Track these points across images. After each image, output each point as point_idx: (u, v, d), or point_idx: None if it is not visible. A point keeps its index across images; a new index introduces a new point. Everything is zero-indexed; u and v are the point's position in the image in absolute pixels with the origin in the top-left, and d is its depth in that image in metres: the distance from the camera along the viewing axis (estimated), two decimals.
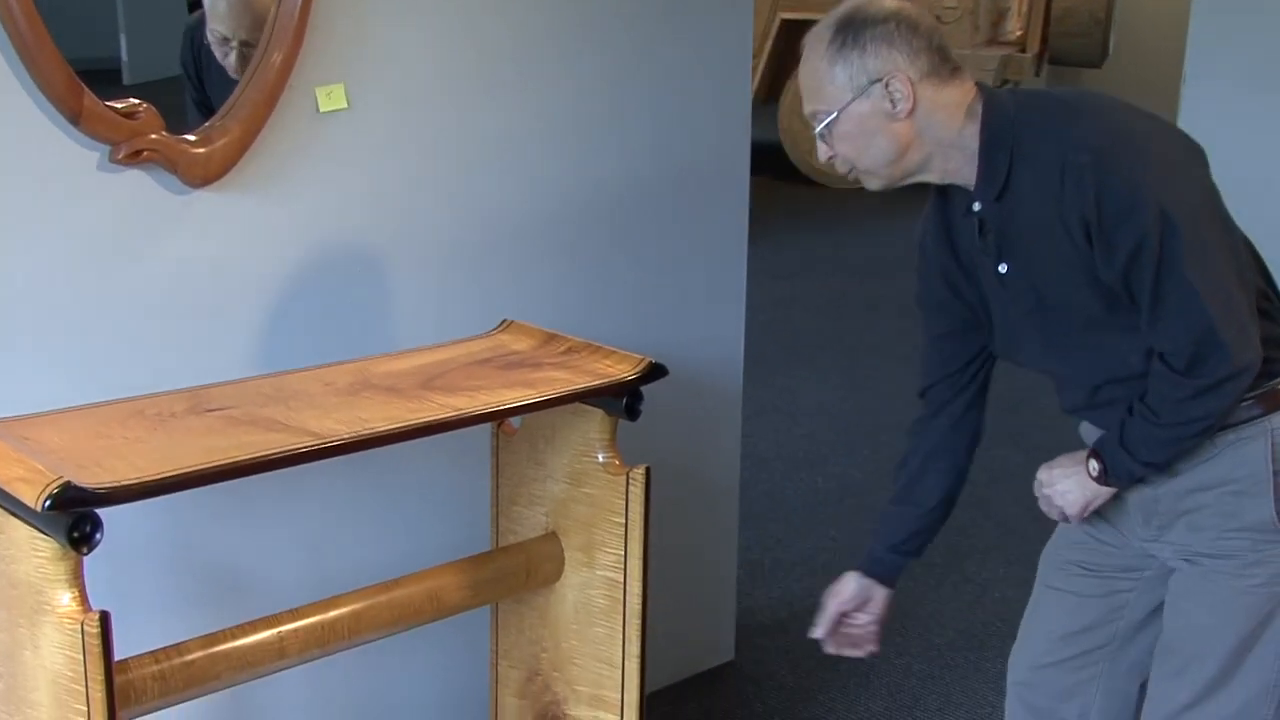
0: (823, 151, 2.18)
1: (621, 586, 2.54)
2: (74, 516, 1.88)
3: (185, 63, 2.70)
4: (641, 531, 2.50)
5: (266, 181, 2.54)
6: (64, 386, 2.32)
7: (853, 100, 2.10)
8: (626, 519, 2.51)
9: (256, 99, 2.50)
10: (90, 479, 1.90)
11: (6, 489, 1.91)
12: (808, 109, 2.18)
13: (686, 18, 3.16)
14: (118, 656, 1.98)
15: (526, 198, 2.93)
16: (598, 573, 2.59)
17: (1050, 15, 10.02)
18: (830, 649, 2.55)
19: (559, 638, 2.68)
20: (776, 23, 9.31)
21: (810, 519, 4.56)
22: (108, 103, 2.33)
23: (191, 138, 2.44)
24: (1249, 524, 2.20)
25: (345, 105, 2.62)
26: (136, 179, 2.40)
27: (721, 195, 3.34)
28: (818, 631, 2.52)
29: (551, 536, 2.64)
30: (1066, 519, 2.33)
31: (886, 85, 2.09)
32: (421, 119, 2.75)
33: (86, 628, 1.91)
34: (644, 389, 2.47)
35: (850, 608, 2.50)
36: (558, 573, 2.64)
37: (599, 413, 2.51)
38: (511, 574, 2.60)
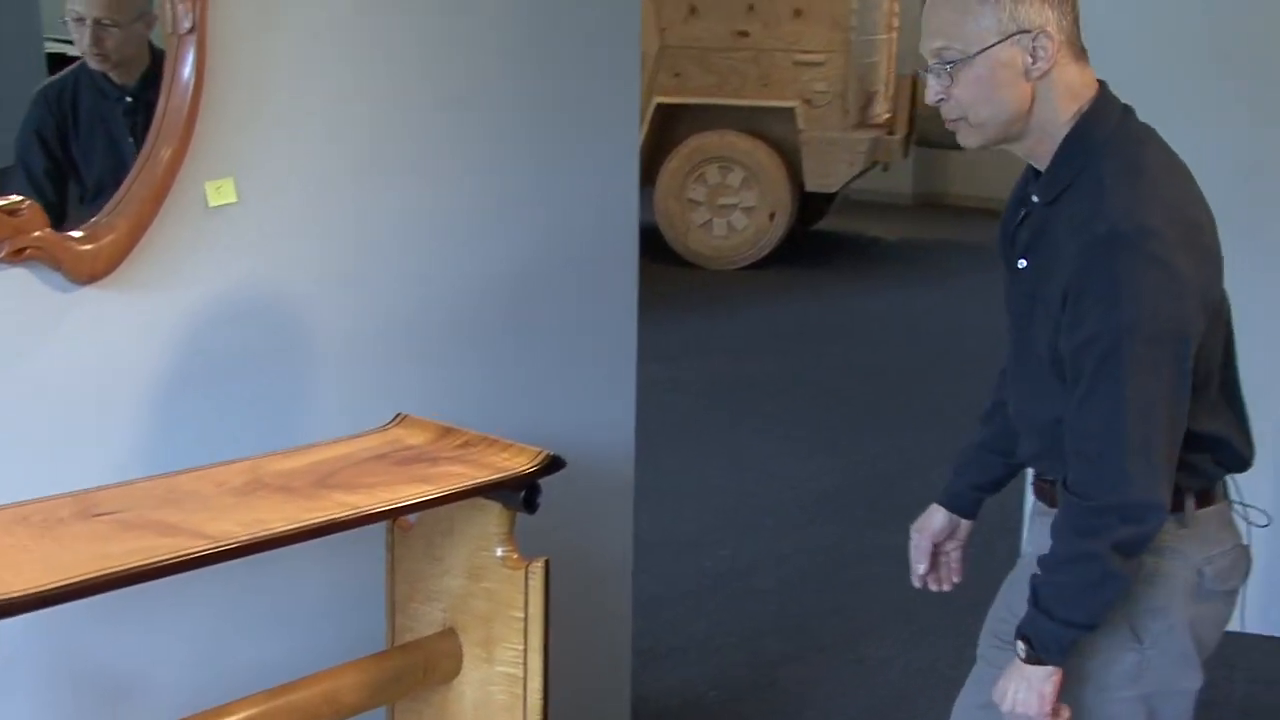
0: (934, 91, 2.09)
1: (521, 682, 2.52)
2: None
3: (43, 128, 2.64)
4: (541, 625, 2.48)
5: (155, 278, 2.50)
6: None
7: (997, 44, 2.03)
8: (526, 613, 2.49)
9: (144, 195, 2.46)
10: None
11: None
12: (934, 44, 2.08)
13: (577, 105, 3.18)
14: None
15: (419, 288, 2.92)
16: (497, 668, 2.55)
17: (916, 98, 10.24)
18: (931, 585, 2.58)
19: None
20: (651, 107, 9.42)
21: (700, 603, 4.55)
22: None
23: (77, 234, 2.39)
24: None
25: (235, 199, 2.59)
26: (20, 277, 2.34)
27: (611, 281, 3.35)
28: (919, 568, 2.55)
29: (450, 633, 2.61)
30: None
31: (1035, 39, 2.04)
32: (313, 211, 2.73)
33: None
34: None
35: (941, 538, 2.53)
36: (456, 669, 2.60)
37: (497, 506, 2.49)
38: (409, 672, 2.56)
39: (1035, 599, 2.12)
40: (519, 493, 2.45)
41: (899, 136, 10.16)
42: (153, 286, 2.50)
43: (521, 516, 2.51)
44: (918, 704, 3.82)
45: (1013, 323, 2.26)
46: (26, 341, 2.37)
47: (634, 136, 3.40)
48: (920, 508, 2.59)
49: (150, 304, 2.51)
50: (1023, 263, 2.19)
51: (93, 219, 2.42)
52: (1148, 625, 2.17)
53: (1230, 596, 2.27)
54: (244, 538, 2.09)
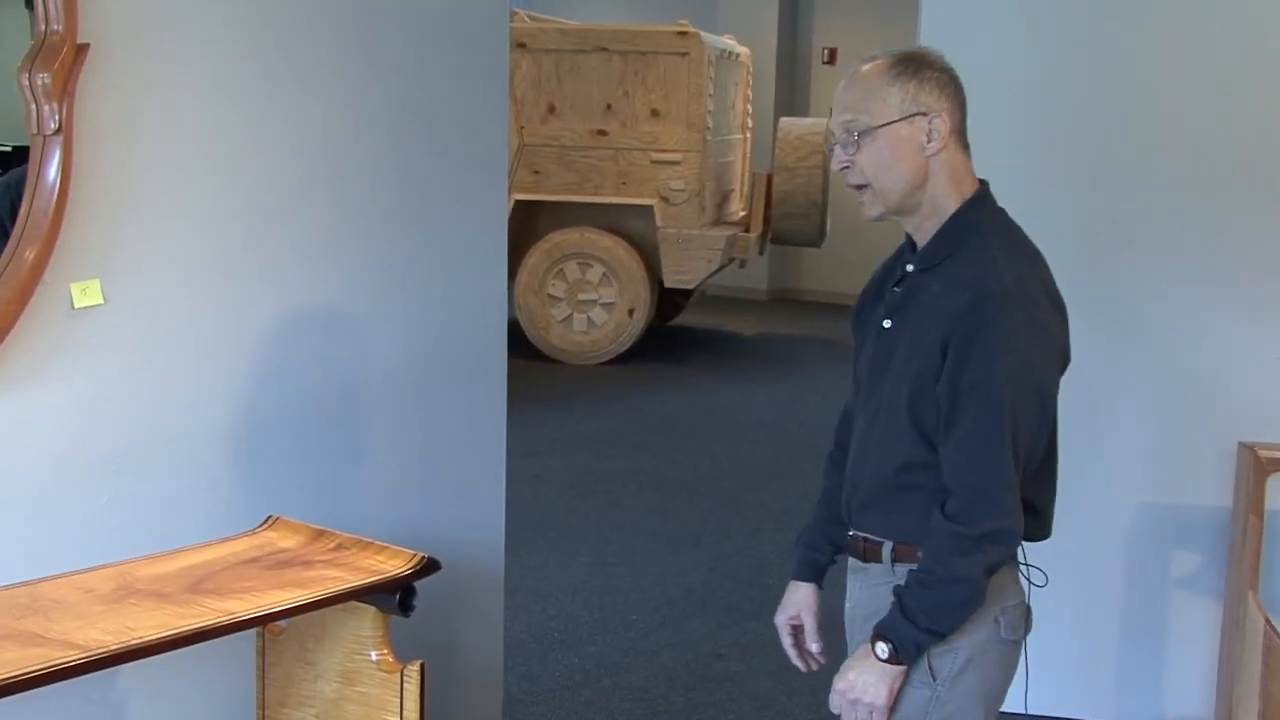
0: (839, 160, 2.32)
1: None
2: None
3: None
4: None
5: (19, 379, 2.45)
6: None
7: (898, 120, 2.28)
8: (401, 717, 2.45)
9: (7, 296, 2.41)
10: None
11: None
12: (844, 118, 2.31)
13: (449, 201, 3.20)
14: None
15: (290, 385, 2.89)
16: None
17: (771, 198, 10.43)
18: (809, 665, 2.62)
19: None
20: (510, 203, 9.45)
21: (569, 701, 4.51)
22: None
23: None
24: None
25: (101, 300, 2.55)
26: None
27: (482, 378, 3.36)
28: (792, 653, 2.60)
29: None
30: (876, 715, 2.31)
31: (930, 120, 2.28)
32: (183, 310, 2.70)
33: None
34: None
35: (794, 611, 2.58)
36: None
37: (371, 610, 2.46)
38: None
39: (903, 608, 2.26)
40: (394, 595, 2.42)
41: (755, 234, 10.31)
42: (17, 388, 2.45)
43: (394, 618, 2.48)
44: None
45: (865, 382, 2.43)
46: None
47: (503, 234, 3.43)
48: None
49: (14, 405, 2.45)
50: (888, 322, 2.38)
51: None
52: (944, 664, 2.32)
53: (1017, 647, 2.42)
54: (115, 647, 2.03)
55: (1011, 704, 2.55)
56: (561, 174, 9.68)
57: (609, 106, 9.59)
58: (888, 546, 2.38)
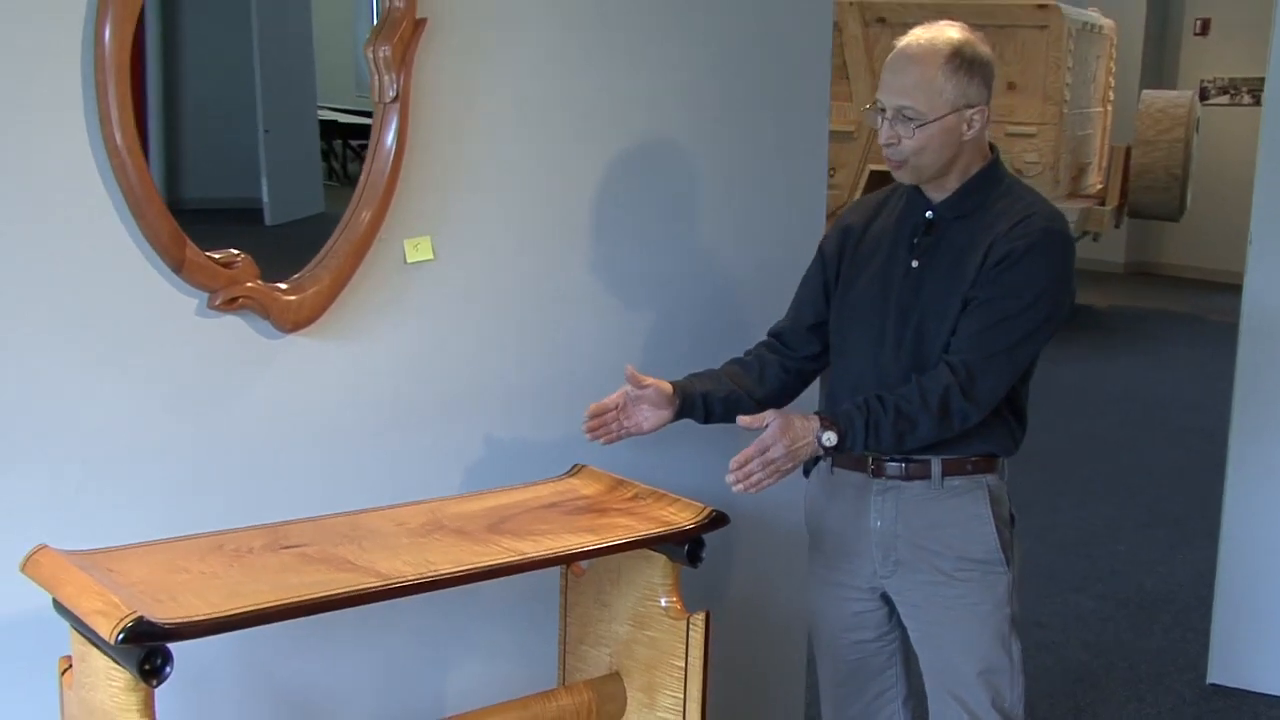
0: (886, 134, 2.45)
1: None
2: (145, 650, 1.86)
3: None
4: (700, 676, 2.44)
5: (353, 328, 2.55)
6: (154, 516, 2.32)
7: (949, 114, 2.41)
8: (686, 663, 2.45)
9: (346, 250, 2.51)
10: (164, 613, 1.88)
11: (85, 621, 1.90)
12: (899, 101, 2.42)
13: (761, 185, 3.15)
14: None
15: (598, 346, 2.92)
16: (658, 714, 2.52)
17: (1129, 170, 9.94)
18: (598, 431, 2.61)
19: None
20: (865, 173, 9.32)
21: None
22: (208, 253, 2.35)
23: (284, 286, 2.46)
24: (978, 557, 2.55)
25: (431, 257, 2.63)
26: (232, 324, 2.41)
27: None
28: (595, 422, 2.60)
29: (615, 677, 2.58)
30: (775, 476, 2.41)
31: (975, 112, 2.44)
32: (503, 270, 2.75)
33: None
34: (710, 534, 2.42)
35: (635, 395, 2.58)
36: (620, 712, 2.58)
37: (662, 558, 2.46)
38: (575, 712, 2.54)
39: (867, 420, 2.40)
40: (683, 546, 2.42)
41: (1110, 208, 9.85)
42: (351, 336, 2.55)
43: (690, 570, 2.47)
44: None
45: (876, 315, 2.56)
46: (236, 383, 2.44)
47: (822, 211, 3.35)
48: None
49: (348, 352, 2.56)
50: (915, 263, 2.53)
51: (297, 274, 2.48)
52: (1009, 552, 2.59)
53: None
54: (413, 578, 2.10)
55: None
56: None
57: None
58: (936, 463, 2.53)
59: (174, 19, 3.51)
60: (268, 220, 3.36)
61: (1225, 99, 11.96)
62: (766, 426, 2.38)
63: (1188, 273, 11.95)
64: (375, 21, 2.54)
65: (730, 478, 2.38)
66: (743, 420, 2.43)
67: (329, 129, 3.87)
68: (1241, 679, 4.30)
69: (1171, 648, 4.62)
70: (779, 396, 2.71)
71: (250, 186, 3.40)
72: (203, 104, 3.57)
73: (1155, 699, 4.24)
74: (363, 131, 3.95)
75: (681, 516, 2.43)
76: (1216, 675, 4.33)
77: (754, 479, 2.37)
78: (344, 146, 3.92)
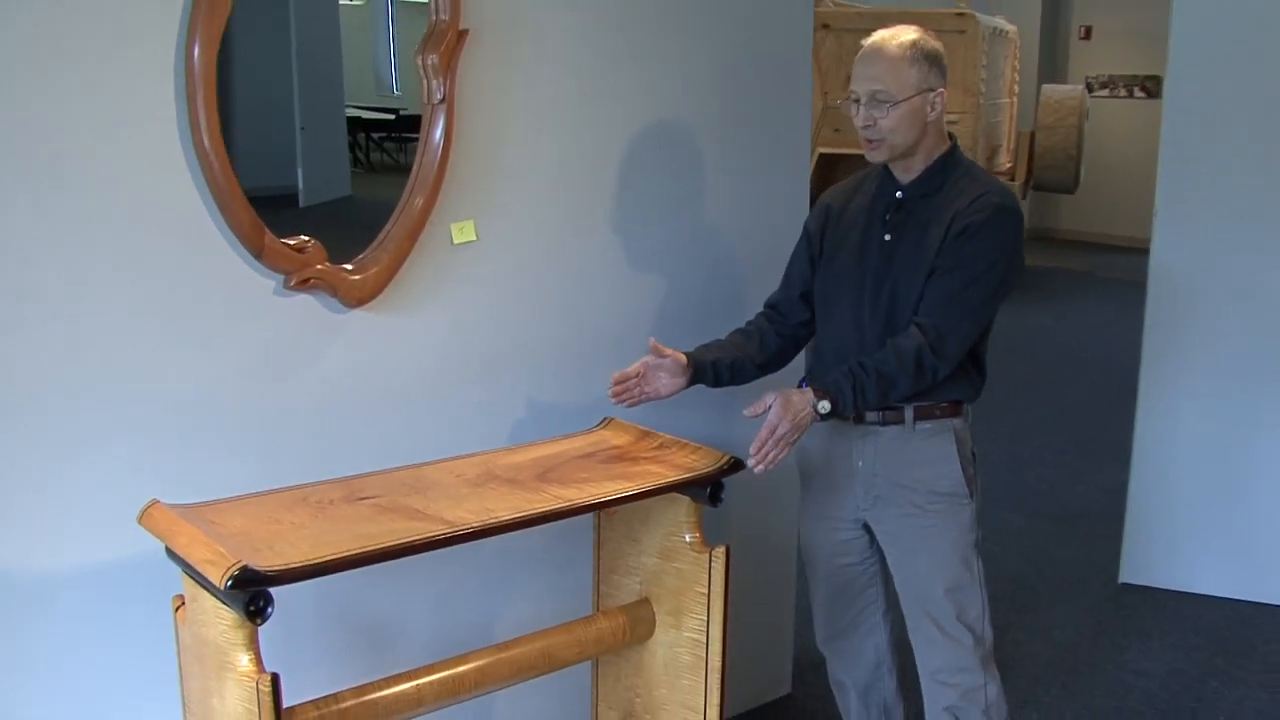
0: (863, 118, 2.41)
1: (704, 646, 2.40)
2: (250, 594, 1.79)
3: None
4: (722, 601, 2.36)
5: (409, 302, 2.45)
6: (245, 472, 2.23)
7: (915, 95, 2.39)
8: (709, 590, 2.37)
9: (401, 234, 2.41)
10: (264, 562, 1.80)
11: (198, 568, 1.82)
12: (873, 87, 2.39)
13: (754, 162, 3.05)
14: (286, 703, 1.87)
15: (623, 316, 2.82)
16: (684, 634, 2.44)
17: (1033, 151, 9.92)
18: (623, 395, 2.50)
19: (650, 686, 2.54)
20: (815, 156, 9.22)
21: None
22: (284, 238, 2.25)
23: (349, 266, 2.36)
24: (945, 491, 2.50)
25: (475, 238, 2.53)
26: (305, 302, 2.32)
27: None
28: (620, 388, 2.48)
29: (645, 602, 2.50)
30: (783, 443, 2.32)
31: (935, 95, 2.41)
32: (535, 248, 2.65)
33: (260, 687, 1.81)
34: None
35: (654, 363, 2.49)
36: (650, 632, 2.50)
37: (686, 499, 2.38)
38: (611, 634, 2.46)
39: (853, 385, 2.35)
40: (705, 489, 2.33)
41: (1019, 182, 9.82)
42: (407, 309, 2.45)
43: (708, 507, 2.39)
44: None
45: (853, 282, 2.49)
46: (309, 352, 2.34)
47: (805, 186, 3.26)
48: None
49: (405, 324, 2.46)
50: (888, 237, 2.47)
51: (360, 255, 2.38)
52: (972, 485, 2.54)
53: None
54: (476, 524, 2.01)
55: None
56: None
57: None
58: (909, 410, 2.47)
59: (229, 33, 3.40)
60: (301, 203, 3.29)
61: (1106, 92, 12.20)
62: (769, 409, 2.30)
63: (1083, 236, 11.93)
64: (391, 34, 2.43)
65: (751, 461, 2.30)
66: (747, 411, 2.34)
67: (354, 124, 3.83)
68: (1148, 577, 4.33)
69: (1090, 554, 4.59)
70: (777, 360, 2.65)
71: (287, 175, 3.32)
72: (250, 105, 3.48)
73: (1078, 598, 4.23)
74: (382, 126, 3.91)
75: (703, 463, 2.34)
76: (1127, 575, 4.36)
77: (770, 456, 2.29)
78: (366, 139, 3.90)
